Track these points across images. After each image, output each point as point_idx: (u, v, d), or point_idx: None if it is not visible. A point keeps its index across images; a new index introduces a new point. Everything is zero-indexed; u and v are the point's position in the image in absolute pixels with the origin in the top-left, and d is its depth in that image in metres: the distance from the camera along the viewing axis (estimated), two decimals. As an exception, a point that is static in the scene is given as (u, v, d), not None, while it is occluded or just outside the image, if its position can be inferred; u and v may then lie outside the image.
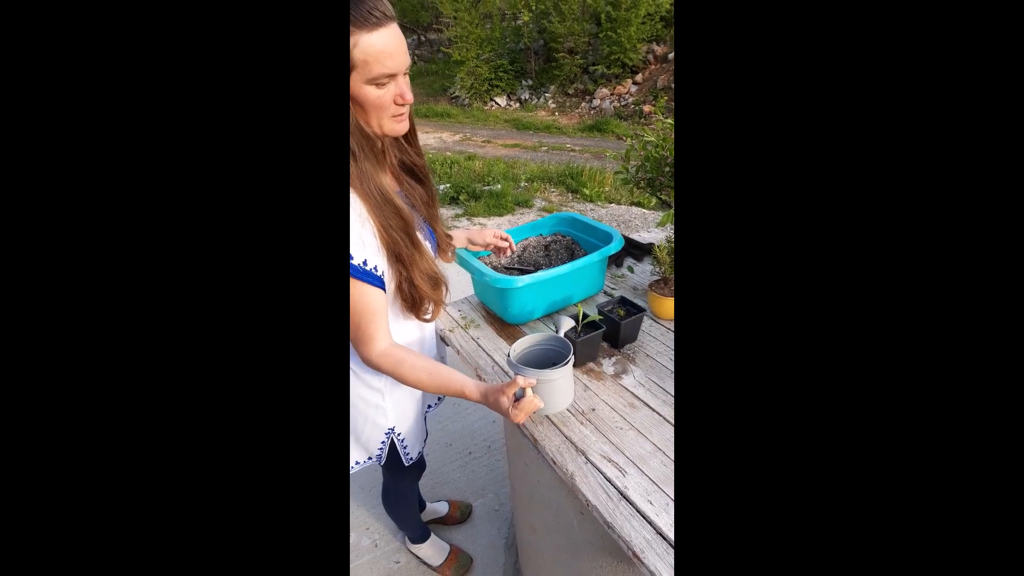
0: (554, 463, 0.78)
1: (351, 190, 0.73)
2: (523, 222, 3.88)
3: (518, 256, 1.25)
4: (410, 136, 0.85)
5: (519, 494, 1.03)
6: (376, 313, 0.78)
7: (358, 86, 0.69)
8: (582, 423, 0.84)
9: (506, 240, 1.14)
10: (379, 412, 0.95)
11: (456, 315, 1.18)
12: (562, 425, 0.83)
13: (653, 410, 0.85)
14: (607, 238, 1.17)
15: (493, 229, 1.15)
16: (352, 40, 0.66)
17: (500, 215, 3.95)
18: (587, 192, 4.37)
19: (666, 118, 1.19)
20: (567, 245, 1.27)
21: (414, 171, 0.88)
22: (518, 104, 9.17)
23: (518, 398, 0.76)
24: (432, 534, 1.42)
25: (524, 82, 9.33)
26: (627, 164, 1.16)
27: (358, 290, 0.75)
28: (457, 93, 9.41)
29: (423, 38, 12.78)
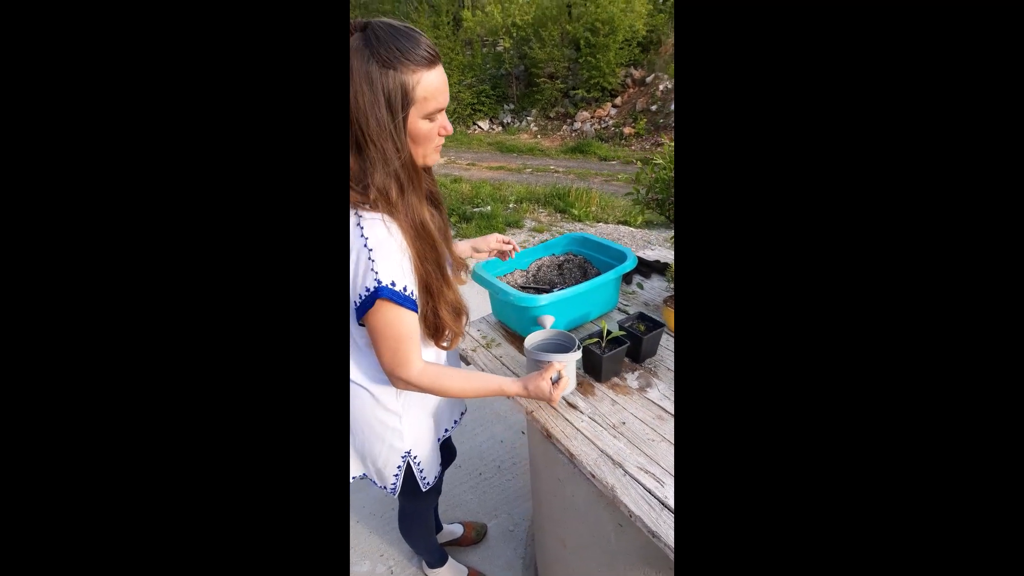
0: (593, 477, 0.80)
1: (395, 220, 0.76)
2: (515, 241, 3.93)
3: (533, 275, 1.28)
4: (428, 171, 0.88)
5: (548, 510, 1.04)
6: (413, 337, 0.80)
7: (415, 121, 0.73)
8: (614, 436, 0.86)
9: (509, 243, 1.18)
10: (396, 435, 0.96)
11: (476, 335, 1.20)
12: (595, 439, 0.85)
13: (682, 421, 0.88)
14: (620, 256, 1.21)
15: (496, 235, 1.18)
16: (415, 78, 0.70)
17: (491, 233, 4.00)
18: (575, 212, 4.46)
19: (672, 141, 1.25)
20: (579, 264, 1.31)
21: (432, 198, 0.90)
22: (501, 127, 9.34)
23: (554, 382, 0.86)
24: (450, 558, 1.41)
25: (506, 106, 9.52)
26: (638, 186, 1.22)
27: (399, 315, 0.76)
28: (440, 117, 9.54)
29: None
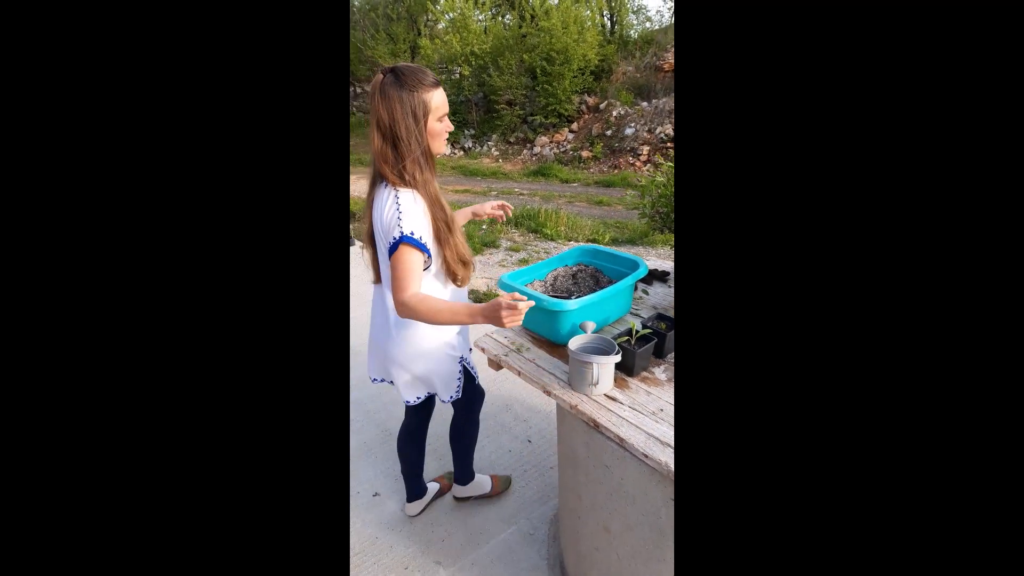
0: (646, 457, 0.89)
1: (419, 193, 1.11)
2: (492, 261, 4.01)
3: (551, 285, 1.38)
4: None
5: (591, 499, 1.11)
6: (414, 270, 1.08)
7: (432, 123, 1.10)
8: (657, 421, 0.96)
9: (504, 208, 1.44)
10: (452, 349, 1.30)
11: (504, 341, 1.27)
12: (640, 425, 0.95)
13: (712, 405, 0.99)
14: (631, 265, 1.33)
15: (492, 201, 1.46)
16: (429, 96, 1.08)
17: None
18: (547, 232, 4.62)
19: (667, 160, 1.40)
20: (591, 273, 1.42)
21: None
22: (462, 152, 9.52)
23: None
24: (476, 474, 1.71)
25: (467, 131, 9.74)
26: (643, 202, 1.35)
27: (412, 254, 1.07)
28: (400, 142, 9.63)
29: (359, 89, 13.02)
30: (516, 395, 2.23)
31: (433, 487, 1.74)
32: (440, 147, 1.15)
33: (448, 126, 1.14)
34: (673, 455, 0.87)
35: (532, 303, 1.00)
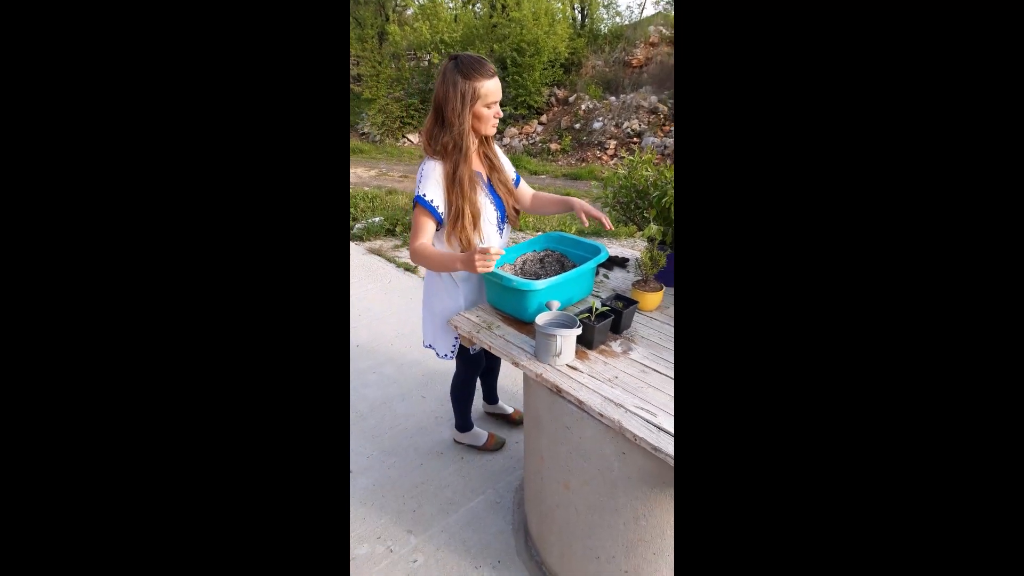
0: (601, 416, 1.00)
1: (441, 164, 1.32)
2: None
3: (520, 269, 1.48)
4: (490, 140, 1.45)
5: (551, 460, 1.22)
6: (422, 226, 1.34)
7: (480, 109, 1.30)
8: (612, 387, 1.08)
9: (600, 218, 1.48)
10: (449, 312, 1.48)
11: (476, 319, 1.37)
12: (597, 390, 1.06)
13: (661, 373, 1.12)
14: (593, 250, 1.45)
15: (591, 207, 1.50)
16: (479, 84, 1.27)
17: (439, 244, 4.13)
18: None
19: (631, 155, 1.51)
20: (557, 258, 1.53)
21: (492, 161, 1.47)
22: (431, 140, 9.47)
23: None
24: (475, 426, 1.93)
25: (435, 120, 9.68)
26: (606, 192, 1.46)
27: (419, 210, 1.34)
28: (367, 130, 9.50)
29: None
30: (485, 376, 2.33)
31: (481, 435, 1.94)
32: (487, 129, 1.35)
33: (498, 112, 1.33)
34: (623, 414, 0.99)
35: (502, 251, 1.20)
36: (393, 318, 2.91)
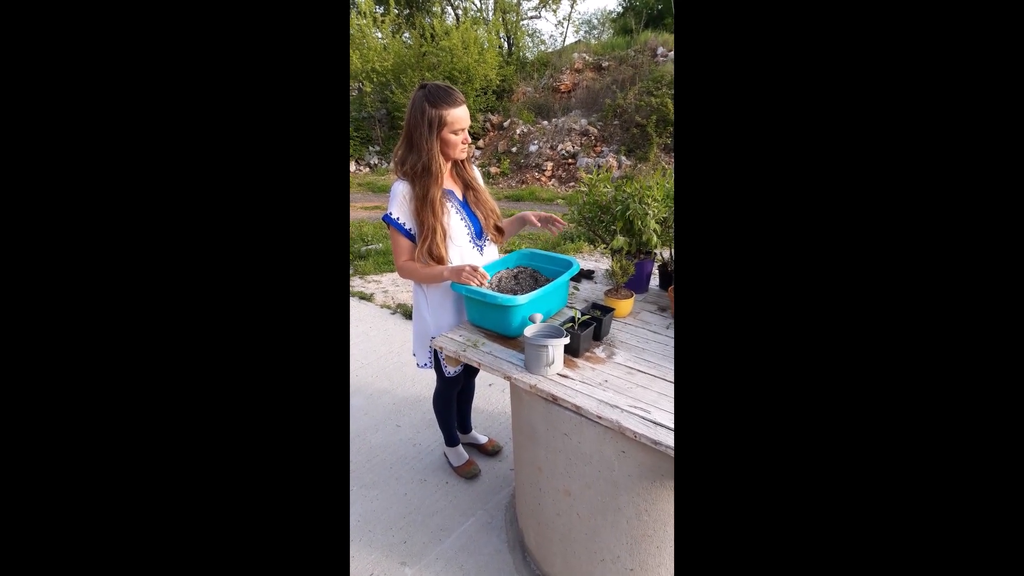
0: (600, 418, 1.06)
1: (411, 186, 1.41)
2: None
3: (496, 285, 1.52)
4: (465, 163, 1.53)
5: (550, 469, 1.26)
6: (398, 244, 1.47)
7: (447, 135, 1.39)
8: (604, 390, 1.13)
9: (554, 222, 1.57)
10: (431, 328, 1.57)
11: (460, 339, 1.39)
12: (590, 394, 1.12)
13: (645, 373, 1.19)
14: (565, 264, 1.52)
15: (539, 212, 1.63)
16: (446, 112, 1.36)
17: (391, 271, 4.08)
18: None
19: (589, 173, 1.61)
20: (531, 274, 1.59)
21: (467, 182, 1.56)
22: (368, 168, 9.37)
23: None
24: (460, 444, 1.94)
25: (371, 148, 9.60)
26: (572, 210, 1.55)
27: (391, 230, 1.46)
28: (301, 160, 9.25)
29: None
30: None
31: (462, 456, 1.94)
32: (456, 154, 1.43)
33: (466, 138, 1.42)
34: (619, 414, 1.05)
35: (488, 276, 1.33)
36: (354, 348, 2.84)
